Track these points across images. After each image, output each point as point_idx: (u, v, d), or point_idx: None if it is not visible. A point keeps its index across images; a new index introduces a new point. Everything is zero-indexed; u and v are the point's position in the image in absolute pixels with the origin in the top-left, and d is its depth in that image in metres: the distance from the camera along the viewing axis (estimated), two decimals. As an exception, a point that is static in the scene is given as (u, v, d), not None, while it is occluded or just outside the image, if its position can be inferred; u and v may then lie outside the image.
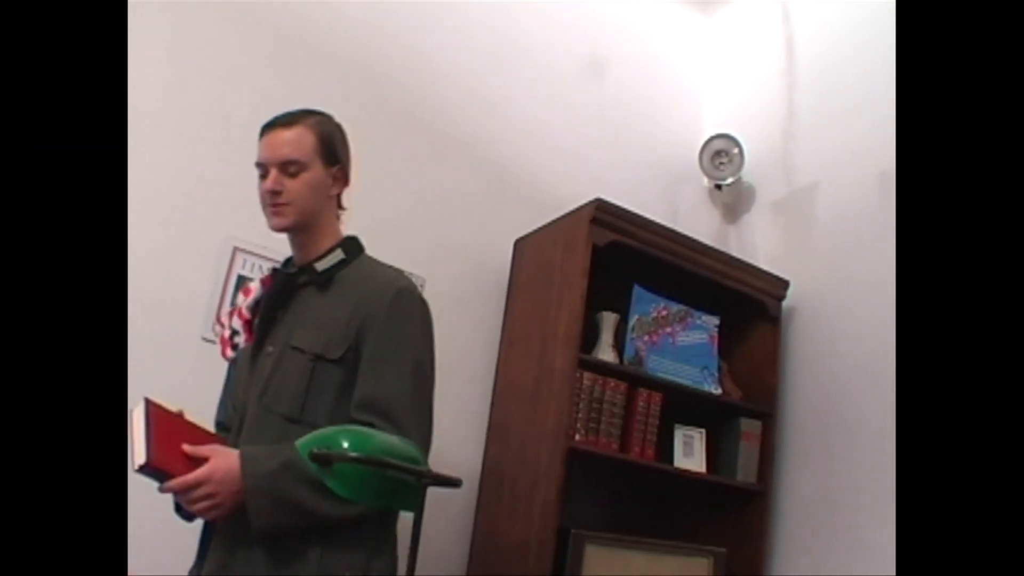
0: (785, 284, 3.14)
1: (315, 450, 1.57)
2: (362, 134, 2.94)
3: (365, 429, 1.69)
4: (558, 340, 2.75)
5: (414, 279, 2.92)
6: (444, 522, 2.77)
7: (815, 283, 3.12)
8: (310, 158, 1.93)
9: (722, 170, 3.40)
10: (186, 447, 1.68)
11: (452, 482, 1.69)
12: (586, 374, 2.73)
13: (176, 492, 1.68)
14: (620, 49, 3.65)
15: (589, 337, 2.87)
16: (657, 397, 2.86)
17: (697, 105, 3.85)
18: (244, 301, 2.07)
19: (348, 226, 2.80)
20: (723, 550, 2.83)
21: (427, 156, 3.10)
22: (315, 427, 1.77)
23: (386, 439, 1.66)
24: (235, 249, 2.64)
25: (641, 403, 2.83)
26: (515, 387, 2.91)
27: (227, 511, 1.69)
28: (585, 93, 3.51)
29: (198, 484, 1.65)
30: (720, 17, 3.95)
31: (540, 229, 3.05)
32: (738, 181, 3.43)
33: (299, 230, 1.96)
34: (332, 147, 1.99)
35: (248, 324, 2.03)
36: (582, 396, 2.71)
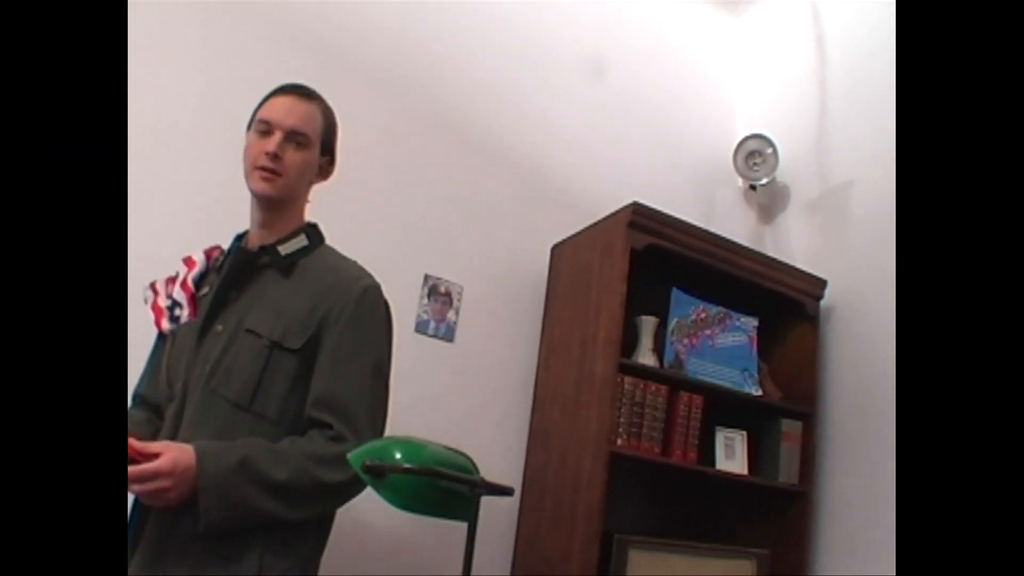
0: (823, 283, 3.13)
1: (368, 462, 1.58)
2: (395, 143, 2.99)
3: (416, 439, 1.69)
4: (598, 345, 2.74)
5: (453, 287, 2.96)
6: (486, 529, 2.75)
7: (852, 282, 3.10)
8: (315, 138, 1.90)
9: (756, 171, 3.39)
10: (134, 443, 1.57)
11: (504, 491, 1.70)
12: (627, 378, 2.72)
13: (131, 480, 1.56)
14: (651, 52, 3.65)
15: (628, 341, 2.86)
16: (698, 400, 2.85)
17: (729, 106, 3.84)
18: (188, 273, 1.93)
19: (385, 236, 2.84)
20: (766, 551, 2.83)
21: (460, 164, 3.10)
22: (263, 417, 1.74)
23: (437, 449, 1.67)
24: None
25: (682, 406, 2.82)
26: (556, 393, 2.91)
27: (175, 504, 1.60)
28: (617, 97, 3.51)
29: (156, 475, 1.55)
30: (749, 17, 3.94)
31: (577, 234, 3.05)
32: (772, 181, 3.42)
33: (275, 206, 1.88)
34: (331, 137, 1.97)
35: (193, 298, 1.90)
36: (623, 400, 2.70)
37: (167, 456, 1.57)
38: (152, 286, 1.94)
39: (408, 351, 2.82)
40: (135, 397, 1.96)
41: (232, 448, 1.65)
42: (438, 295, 2.93)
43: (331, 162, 1.99)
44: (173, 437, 1.72)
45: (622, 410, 2.70)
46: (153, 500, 1.60)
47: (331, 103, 2.76)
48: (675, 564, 2.69)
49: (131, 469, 1.54)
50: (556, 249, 3.14)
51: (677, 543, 2.74)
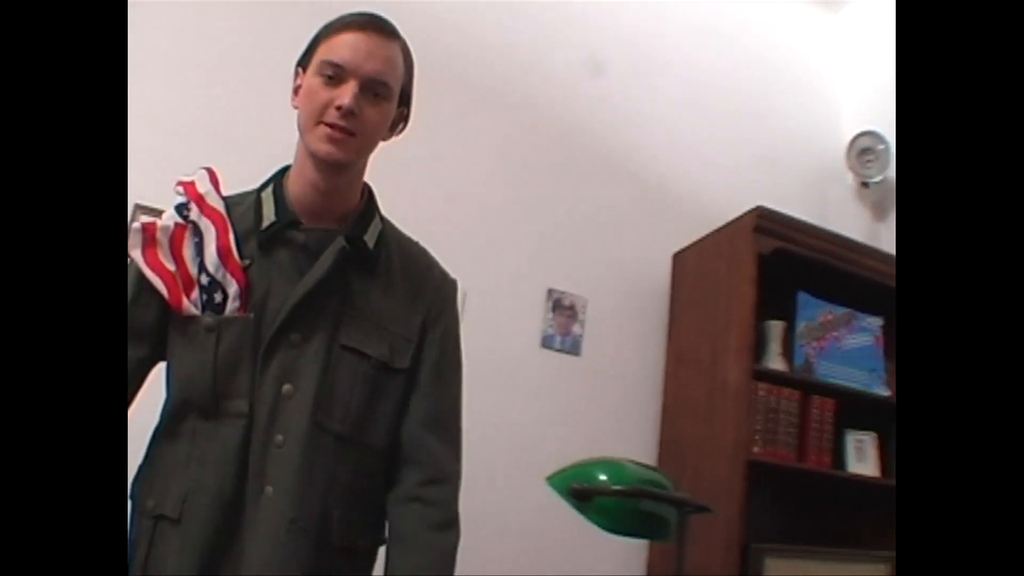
0: (943, 279, 3.07)
1: (575, 486, 1.56)
2: (513, 159, 2.99)
3: (615, 459, 1.66)
4: (729, 352, 2.72)
5: (577, 300, 2.95)
6: (618, 544, 2.76)
7: (971, 275, 3.04)
8: (396, 87, 1.47)
9: (869, 168, 3.35)
10: None
11: (707, 509, 1.67)
12: (760, 385, 2.70)
13: None
14: (755, 54, 3.63)
15: (757, 347, 2.82)
16: (830, 403, 2.82)
17: (834, 103, 3.80)
18: (226, 233, 1.45)
19: (508, 253, 2.83)
20: (899, 555, 2.78)
21: (577, 177, 3.10)
22: (369, 448, 1.46)
23: (637, 468, 1.64)
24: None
25: (815, 410, 2.79)
26: (686, 403, 2.89)
27: None
28: (724, 101, 3.48)
29: None
30: (846, 13, 3.90)
31: (700, 241, 3.03)
32: (885, 178, 3.37)
33: (341, 170, 1.46)
34: (410, 84, 1.53)
35: (247, 288, 1.42)
36: (758, 407, 2.68)
37: None
38: (147, 229, 1.45)
39: (535, 366, 2.83)
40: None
41: None
42: (562, 309, 2.91)
43: (406, 115, 1.56)
44: (243, 466, 1.38)
45: (757, 417, 2.67)
46: None
47: (447, 122, 2.79)
48: (810, 569, 2.65)
49: None
50: (678, 257, 3.12)
51: (813, 549, 2.71)
